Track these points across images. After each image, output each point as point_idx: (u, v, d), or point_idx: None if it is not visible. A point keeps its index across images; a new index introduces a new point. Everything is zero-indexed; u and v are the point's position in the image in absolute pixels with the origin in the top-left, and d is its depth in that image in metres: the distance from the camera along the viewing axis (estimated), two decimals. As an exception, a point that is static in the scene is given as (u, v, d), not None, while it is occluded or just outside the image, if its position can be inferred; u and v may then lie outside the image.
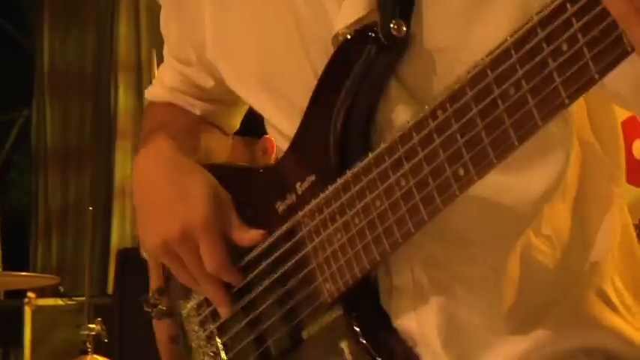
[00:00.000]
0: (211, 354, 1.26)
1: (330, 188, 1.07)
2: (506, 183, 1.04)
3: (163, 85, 1.40)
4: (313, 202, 1.09)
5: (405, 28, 1.02)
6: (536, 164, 1.05)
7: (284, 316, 1.16)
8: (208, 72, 1.32)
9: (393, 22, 1.02)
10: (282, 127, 1.19)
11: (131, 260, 4.49)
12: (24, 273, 4.21)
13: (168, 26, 1.36)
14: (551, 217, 1.07)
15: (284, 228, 1.13)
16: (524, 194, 1.06)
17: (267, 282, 1.16)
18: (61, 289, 4.63)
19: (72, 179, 5.66)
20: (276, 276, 1.15)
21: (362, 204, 1.03)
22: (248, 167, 1.31)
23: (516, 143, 0.89)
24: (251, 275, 1.18)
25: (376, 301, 1.10)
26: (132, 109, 5.42)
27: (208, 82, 1.33)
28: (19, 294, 4.42)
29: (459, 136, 0.93)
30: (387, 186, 1.01)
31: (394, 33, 1.02)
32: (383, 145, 1.01)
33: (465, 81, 0.92)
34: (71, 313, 4.38)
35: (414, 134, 0.97)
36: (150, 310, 2.51)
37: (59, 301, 4.60)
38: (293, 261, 1.13)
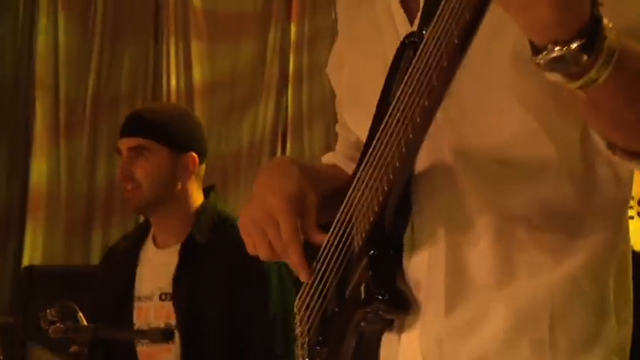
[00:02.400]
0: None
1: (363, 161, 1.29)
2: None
3: (336, 149, 1.62)
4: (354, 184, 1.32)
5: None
6: None
7: (337, 280, 1.33)
8: None
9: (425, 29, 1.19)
10: None
11: (39, 278, 4.43)
12: None
13: (337, 93, 1.55)
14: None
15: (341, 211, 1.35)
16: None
17: (331, 253, 1.34)
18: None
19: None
20: (334, 247, 1.34)
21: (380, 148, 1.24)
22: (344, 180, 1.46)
23: None
24: (326, 252, 1.36)
25: (399, 256, 1.27)
26: (48, 124, 5.33)
27: (352, 137, 1.53)
28: None
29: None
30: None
31: None
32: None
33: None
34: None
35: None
36: (46, 327, 2.53)
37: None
38: (344, 226, 1.33)
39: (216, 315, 2.83)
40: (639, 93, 1.09)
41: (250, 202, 1.39)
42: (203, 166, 2.98)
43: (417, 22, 1.29)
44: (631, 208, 3.48)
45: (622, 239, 1.31)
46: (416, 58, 1.18)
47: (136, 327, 2.91)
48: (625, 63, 1.03)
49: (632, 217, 3.37)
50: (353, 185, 1.33)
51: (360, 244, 1.28)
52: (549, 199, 1.27)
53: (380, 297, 1.23)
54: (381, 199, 1.24)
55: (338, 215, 1.36)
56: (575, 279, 1.26)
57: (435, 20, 1.13)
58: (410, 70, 1.19)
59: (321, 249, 1.37)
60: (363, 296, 1.24)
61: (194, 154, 2.94)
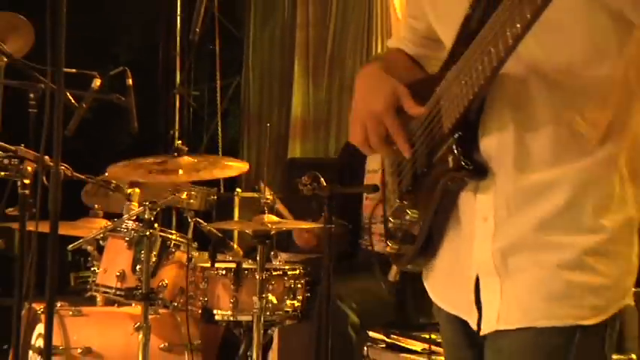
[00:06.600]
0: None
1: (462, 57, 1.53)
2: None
3: (398, 36, 1.93)
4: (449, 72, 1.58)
5: None
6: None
7: (426, 151, 1.64)
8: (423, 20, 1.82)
9: None
10: None
11: (298, 168, 5.65)
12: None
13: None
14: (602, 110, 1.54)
15: (433, 98, 1.63)
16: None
17: (421, 132, 1.65)
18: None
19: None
20: (425, 125, 1.63)
21: (479, 49, 1.46)
22: (426, 75, 1.80)
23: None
24: (417, 132, 1.66)
25: (476, 137, 1.56)
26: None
27: (421, 26, 1.82)
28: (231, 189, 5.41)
29: None
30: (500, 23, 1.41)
31: None
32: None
33: None
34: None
35: None
36: (302, 188, 3.38)
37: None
38: (434, 113, 1.61)
39: None
40: None
41: (355, 105, 1.70)
42: None
43: None
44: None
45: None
46: None
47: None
48: None
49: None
50: (443, 82, 1.55)
51: (450, 127, 1.52)
52: (601, 97, 1.51)
53: (466, 166, 1.50)
54: (471, 97, 1.47)
55: (429, 105, 1.59)
56: (614, 159, 1.54)
57: None
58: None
59: (416, 127, 1.63)
60: (451, 165, 1.51)
61: None
